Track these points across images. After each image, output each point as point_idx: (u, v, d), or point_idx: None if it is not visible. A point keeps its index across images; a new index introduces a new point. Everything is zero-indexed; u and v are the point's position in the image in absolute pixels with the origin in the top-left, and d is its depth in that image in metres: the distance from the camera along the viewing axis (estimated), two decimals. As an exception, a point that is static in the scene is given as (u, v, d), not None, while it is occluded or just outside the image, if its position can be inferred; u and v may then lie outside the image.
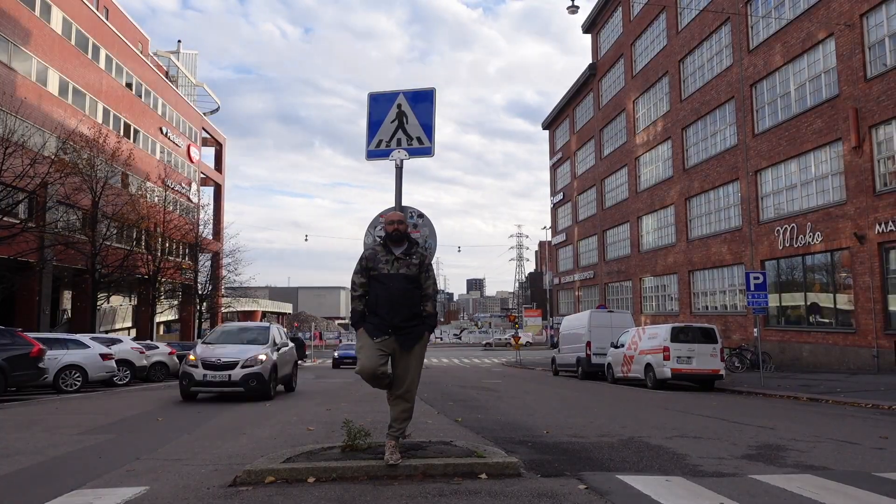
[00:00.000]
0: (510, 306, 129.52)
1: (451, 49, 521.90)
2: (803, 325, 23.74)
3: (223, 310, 54.84)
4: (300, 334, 62.58)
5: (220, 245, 50.91)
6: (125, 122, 40.95)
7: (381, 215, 6.57)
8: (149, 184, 40.62)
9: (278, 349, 14.12)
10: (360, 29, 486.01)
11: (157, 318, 43.91)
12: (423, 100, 6.61)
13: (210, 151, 62.23)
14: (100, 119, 37.01)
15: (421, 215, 6.65)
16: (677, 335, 17.54)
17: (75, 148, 30.05)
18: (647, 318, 35.49)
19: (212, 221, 54.42)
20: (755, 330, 20.69)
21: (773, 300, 23.86)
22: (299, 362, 39.73)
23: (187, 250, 46.12)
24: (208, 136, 59.93)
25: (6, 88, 27.57)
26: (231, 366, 12.76)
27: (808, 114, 23.13)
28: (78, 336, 19.15)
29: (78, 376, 16.66)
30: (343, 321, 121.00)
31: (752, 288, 17.67)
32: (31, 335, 16.00)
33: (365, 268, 5.28)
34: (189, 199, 49.86)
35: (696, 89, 31.15)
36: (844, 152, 21.32)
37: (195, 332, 47.81)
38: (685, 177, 32.10)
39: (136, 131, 42.52)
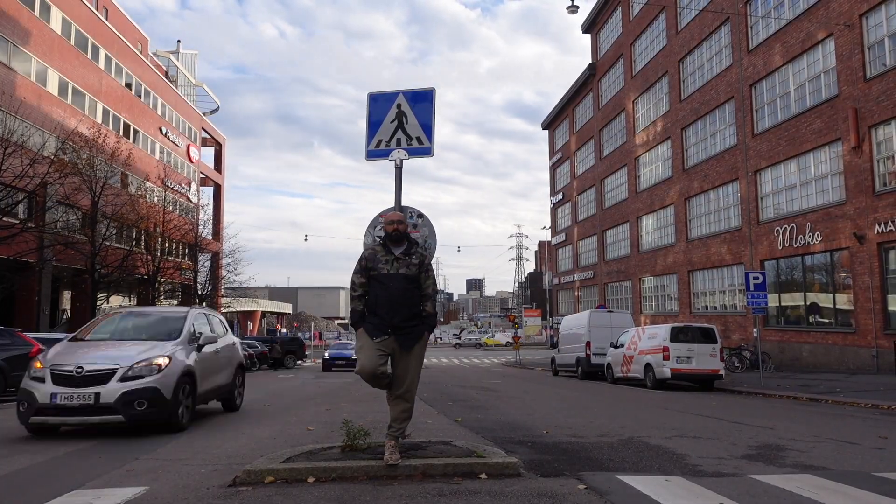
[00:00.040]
0: (510, 306, 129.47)
1: (449, 49, 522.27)
2: (803, 325, 23.75)
3: (223, 309, 54.83)
4: (300, 334, 62.67)
5: (219, 245, 50.89)
6: (125, 122, 40.94)
7: (380, 215, 6.57)
8: (148, 184, 40.59)
9: (200, 347, 9.07)
10: (359, 29, 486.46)
11: (157, 318, 43.77)
12: (422, 100, 6.61)
13: (210, 151, 62.22)
14: (99, 119, 37.00)
15: (421, 215, 6.66)
16: (677, 335, 17.55)
17: (75, 148, 30.03)
18: (646, 318, 35.49)
19: (211, 221, 54.45)
20: (755, 330, 20.69)
21: (772, 300, 23.85)
22: (298, 362, 39.98)
23: (187, 250, 46.12)
24: (208, 136, 59.91)
25: (6, 88, 27.57)
26: (101, 378, 7.65)
27: (807, 114, 23.14)
28: (77, 336, 19.10)
29: (77, 376, 16.59)
30: (343, 321, 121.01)
31: (752, 288, 17.68)
32: (31, 335, 16.01)
33: (365, 268, 5.28)
34: (189, 199, 49.84)
35: (696, 89, 31.15)
36: (844, 152, 21.32)
37: (195, 332, 47.73)
38: (685, 177, 32.10)
39: (135, 131, 42.51)
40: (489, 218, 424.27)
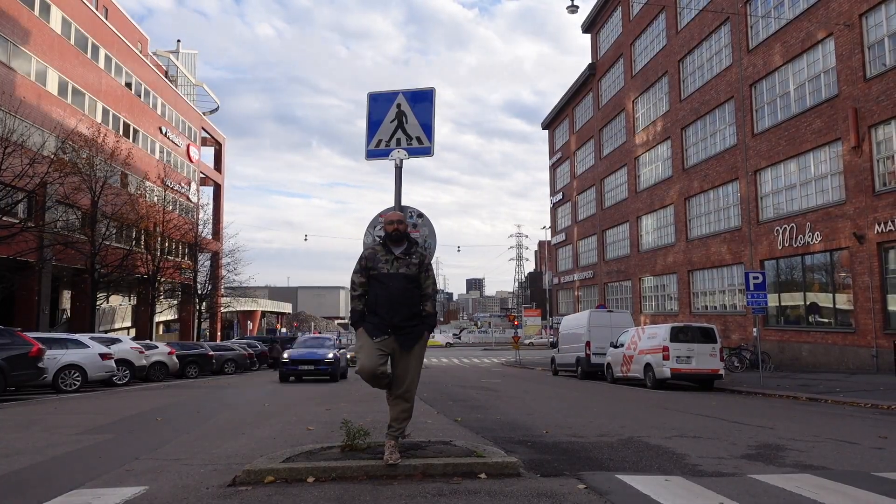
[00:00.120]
0: (510, 306, 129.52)
1: (447, 49, 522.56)
2: (802, 324, 23.75)
3: (223, 309, 54.85)
4: (299, 334, 62.65)
5: (219, 245, 50.90)
6: (124, 122, 40.92)
7: (380, 215, 6.56)
8: (148, 183, 40.60)
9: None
10: (357, 29, 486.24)
11: (157, 318, 43.88)
12: (422, 99, 6.60)
13: (209, 151, 62.21)
14: (99, 119, 36.99)
15: (420, 215, 6.65)
16: (677, 335, 17.54)
17: (74, 147, 30.05)
18: (646, 317, 35.50)
19: (211, 221, 54.45)
20: (754, 330, 20.70)
21: (772, 300, 23.86)
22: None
23: (187, 250, 46.12)
24: (208, 135, 59.90)
25: (5, 88, 27.57)
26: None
27: (807, 114, 23.14)
28: (77, 336, 19.14)
29: (77, 376, 16.66)
30: (343, 321, 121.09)
31: (752, 288, 17.67)
32: (31, 335, 16.00)
33: (364, 267, 5.27)
34: (188, 198, 49.84)
35: (696, 89, 31.15)
36: (844, 152, 21.32)
37: (195, 332, 47.82)
38: (685, 177, 32.10)
39: (135, 131, 42.50)
40: (488, 218, 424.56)
